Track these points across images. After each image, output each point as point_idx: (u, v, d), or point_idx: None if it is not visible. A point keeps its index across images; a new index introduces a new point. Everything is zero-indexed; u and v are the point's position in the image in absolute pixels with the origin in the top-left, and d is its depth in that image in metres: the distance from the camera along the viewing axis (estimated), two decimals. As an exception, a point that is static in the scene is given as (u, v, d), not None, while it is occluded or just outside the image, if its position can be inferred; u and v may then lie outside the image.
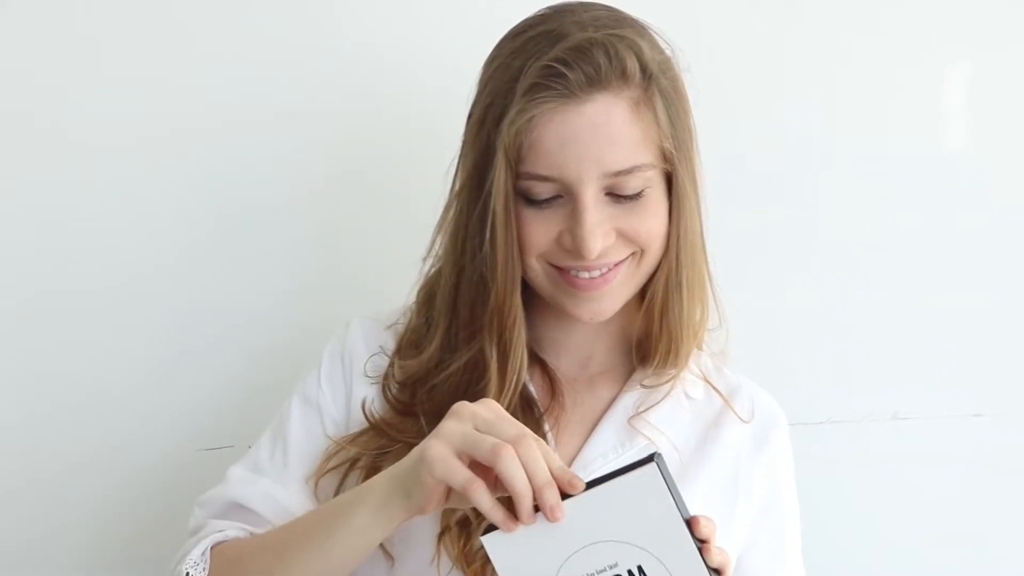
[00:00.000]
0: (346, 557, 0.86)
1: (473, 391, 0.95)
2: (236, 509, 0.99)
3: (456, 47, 1.16)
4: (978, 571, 1.37)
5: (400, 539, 0.95)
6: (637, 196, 0.92)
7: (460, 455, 0.78)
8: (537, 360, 1.02)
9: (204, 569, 0.92)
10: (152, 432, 1.22)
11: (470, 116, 0.97)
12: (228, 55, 1.21)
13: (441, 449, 0.79)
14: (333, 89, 1.23)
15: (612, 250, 0.93)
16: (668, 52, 0.96)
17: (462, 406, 0.81)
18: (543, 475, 0.76)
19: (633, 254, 0.95)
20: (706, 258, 1.00)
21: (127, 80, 1.19)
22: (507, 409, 0.91)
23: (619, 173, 0.90)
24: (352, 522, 0.84)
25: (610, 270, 0.94)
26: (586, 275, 0.94)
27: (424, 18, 1.24)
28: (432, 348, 0.98)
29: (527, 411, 0.98)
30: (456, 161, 0.99)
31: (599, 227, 0.91)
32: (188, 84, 1.20)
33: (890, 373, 1.34)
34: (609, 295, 0.96)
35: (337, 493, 0.97)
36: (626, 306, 0.99)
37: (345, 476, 0.97)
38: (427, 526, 0.94)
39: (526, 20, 0.95)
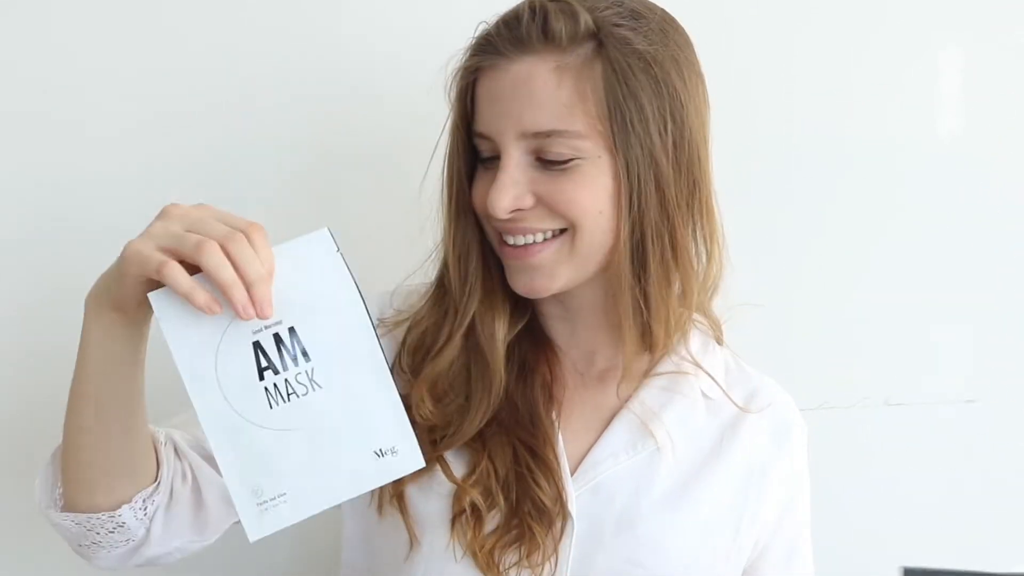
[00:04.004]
0: (102, 379, 0.83)
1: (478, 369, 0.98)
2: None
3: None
4: (971, 556, 1.38)
5: (419, 523, 0.96)
6: (564, 164, 0.92)
7: (164, 251, 0.76)
8: (552, 353, 1.03)
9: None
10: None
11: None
12: (224, 48, 1.21)
13: (141, 245, 0.76)
14: (333, 80, 1.24)
15: (530, 216, 0.93)
16: (664, 32, 0.94)
17: (172, 206, 0.78)
18: (254, 271, 0.75)
19: (564, 231, 0.94)
20: (681, 227, 0.95)
21: (123, 75, 1.19)
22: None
23: (538, 135, 0.91)
24: (85, 338, 0.82)
25: (537, 244, 0.94)
26: (511, 240, 0.95)
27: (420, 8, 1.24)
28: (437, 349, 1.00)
29: (541, 402, 0.99)
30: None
31: (512, 186, 0.92)
32: (192, 81, 1.21)
33: (883, 359, 1.35)
34: (541, 270, 0.95)
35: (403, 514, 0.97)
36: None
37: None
38: (442, 512, 0.95)
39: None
